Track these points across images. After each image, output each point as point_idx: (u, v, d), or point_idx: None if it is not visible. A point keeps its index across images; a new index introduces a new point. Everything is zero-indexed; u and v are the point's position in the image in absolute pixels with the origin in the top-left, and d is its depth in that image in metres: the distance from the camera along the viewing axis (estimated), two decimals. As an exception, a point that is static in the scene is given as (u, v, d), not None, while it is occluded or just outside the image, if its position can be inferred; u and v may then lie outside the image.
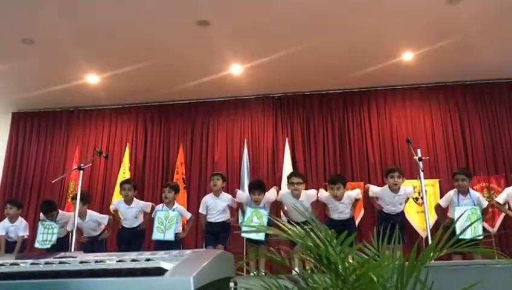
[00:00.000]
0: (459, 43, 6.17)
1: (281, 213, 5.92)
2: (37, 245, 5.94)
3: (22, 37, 6.01)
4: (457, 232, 4.96)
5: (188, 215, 6.05)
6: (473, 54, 6.57)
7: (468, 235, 4.80)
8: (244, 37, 6.12)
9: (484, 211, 5.63)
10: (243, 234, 5.48)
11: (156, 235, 5.73)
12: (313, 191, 5.87)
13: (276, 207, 6.14)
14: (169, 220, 5.75)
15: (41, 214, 6.28)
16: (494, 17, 5.68)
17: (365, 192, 6.06)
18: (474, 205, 5.45)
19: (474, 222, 5.12)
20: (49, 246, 5.86)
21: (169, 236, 5.67)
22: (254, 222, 5.43)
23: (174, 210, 5.86)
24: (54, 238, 5.88)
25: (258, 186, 5.78)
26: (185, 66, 6.82)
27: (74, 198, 5.83)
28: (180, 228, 5.93)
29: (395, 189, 5.65)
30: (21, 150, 8.34)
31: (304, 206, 5.30)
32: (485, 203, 5.64)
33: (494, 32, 6.04)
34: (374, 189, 5.90)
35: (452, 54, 6.49)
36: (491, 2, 5.40)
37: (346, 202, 5.68)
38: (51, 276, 1.17)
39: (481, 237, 5.07)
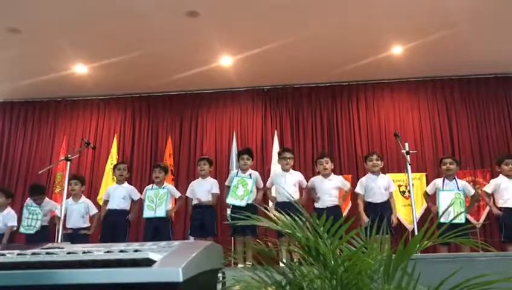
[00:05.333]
0: (448, 38, 6.21)
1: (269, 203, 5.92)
2: (21, 230, 5.90)
3: (8, 26, 5.92)
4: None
5: (178, 193, 6.10)
6: (461, 48, 6.62)
7: (450, 218, 4.80)
8: (234, 29, 6.10)
9: (473, 198, 5.66)
10: (228, 201, 5.54)
11: (147, 213, 5.79)
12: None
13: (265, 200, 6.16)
14: (159, 197, 5.84)
15: (27, 199, 6.19)
16: (483, 13, 5.72)
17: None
18: (458, 190, 5.48)
19: (452, 205, 5.20)
20: (33, 232, 5.85)
21: (161, 213, 5.75)
22: (240, 190, 5.51)
23: (163, 188, 5.95)
24: (38, 224, 5.89)
25: (246, 152, 5.88)
26: (174, 57, 6.77)
27: (72, 178, 6.02)
28: (170, 206, 6.01)
29: (375, 171, 5.64)
30: (7, 140, 8.24)
31: (293, 179, 5.61)
32: (472, 191, 5.66)
33: (482, 28, 6.09)
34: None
35: (441, 48, 6.54)
36: (480, -3, 5.44)
37: (334, 181, 5.68)
38: (38, 267, 1.16)
39: (463, 223, 5.09)
